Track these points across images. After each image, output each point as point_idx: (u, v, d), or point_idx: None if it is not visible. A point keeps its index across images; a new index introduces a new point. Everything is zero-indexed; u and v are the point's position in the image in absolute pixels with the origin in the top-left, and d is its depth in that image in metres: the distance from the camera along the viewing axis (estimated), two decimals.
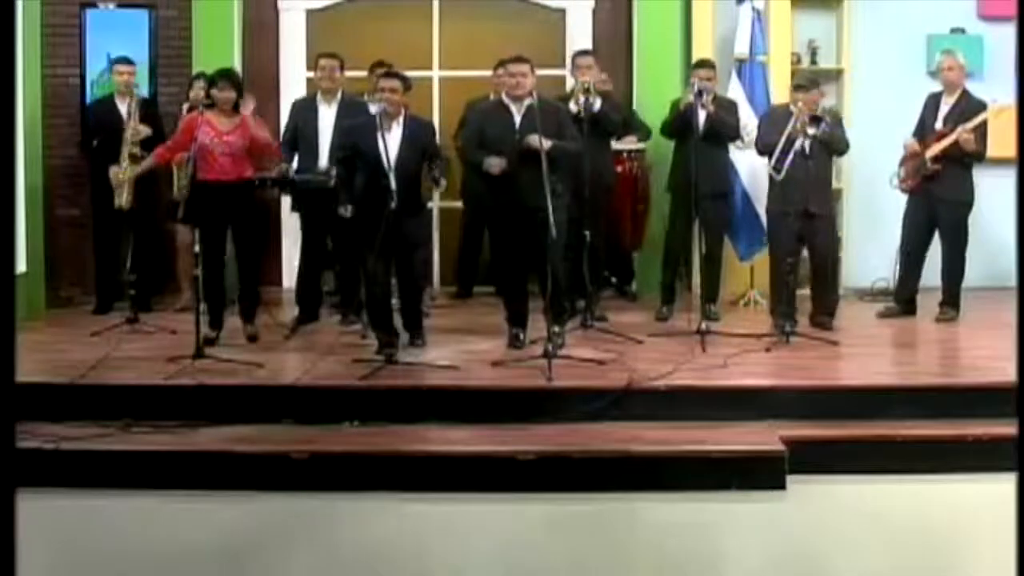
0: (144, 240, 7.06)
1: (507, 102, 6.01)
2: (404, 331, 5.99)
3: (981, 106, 6.71)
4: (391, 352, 5.64)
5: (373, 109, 5.73)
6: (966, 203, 6.82)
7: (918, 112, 6.98)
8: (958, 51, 7.04)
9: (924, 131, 6.89)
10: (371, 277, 5.79)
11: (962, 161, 6.72)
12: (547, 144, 5.69)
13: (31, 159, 6.96)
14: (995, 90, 6.94)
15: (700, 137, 6.51)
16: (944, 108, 6.82)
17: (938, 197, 6.78)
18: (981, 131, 6.65)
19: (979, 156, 6.71)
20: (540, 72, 6.21)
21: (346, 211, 5.90)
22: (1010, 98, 6.95)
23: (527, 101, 5.87)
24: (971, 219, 6.86)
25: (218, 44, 7.66)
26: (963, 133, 6.57)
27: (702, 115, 6.61)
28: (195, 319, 5.69)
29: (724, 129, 6.69)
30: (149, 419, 5.07)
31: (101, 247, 7.25)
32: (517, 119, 5.93)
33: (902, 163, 6.94)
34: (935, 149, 6.70)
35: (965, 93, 6.80)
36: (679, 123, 6.69)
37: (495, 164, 5.84)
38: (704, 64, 6.91)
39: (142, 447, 4.87)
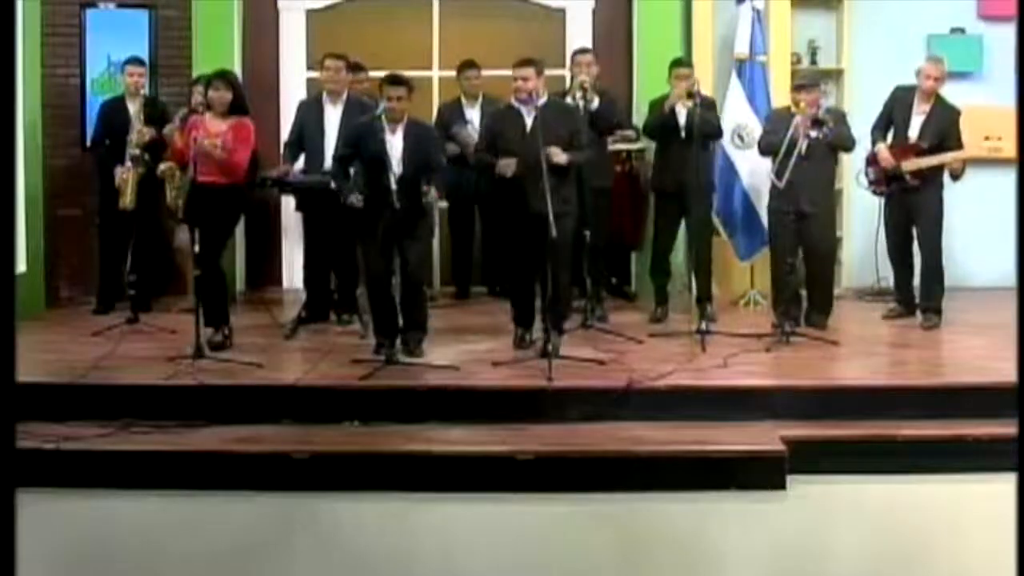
0: (145, 240, 7.05)
1: (516, 105, 5.95)
2: (403, 332, 5.84)
3: (956, 113, 6.65)
4: (388, 353, 5.63)
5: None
6: (941, 195, 6.69)
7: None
8: (944, 58, 6.84)
9: (894, 130, 6.77)
10: (373, 275, 5.79)
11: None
12: (564, 158, 5.74)
13: (31, 159, 6.96)
14: (995, 90, 6.94)
15: (683, 136, 6.52)
16: (918, 117, 6.69)
17: (914, 195, 6.71)
18: (956, 136, 6.62)
19: (962, 173, 6.64)
20: None
21: (357, 200, 5.72)
22: (1010, 99, 6.96)
23: (538, 103, 5.84)
24: (975, 219, 6.81)
25: (218, 44, 7.64)
26: (954, 162, 6.52)
27: (683, 114, 6.61)
28: (195, 319, 5.69)
29: (706, 128, 6.65)
30: (149, 419, 5.07)
31: (107, 247, 7.18)
32: (528, 122, 5.87)
33: (870, 163, 6.88)
34: (915, 165, 6.58)
35: (939, 98, 6.70)
36: (662, 123, 6.68)
37: (507, 166, 5.80)
38: (683, 63, 6.90)
39: (142, 447, 4.87)
